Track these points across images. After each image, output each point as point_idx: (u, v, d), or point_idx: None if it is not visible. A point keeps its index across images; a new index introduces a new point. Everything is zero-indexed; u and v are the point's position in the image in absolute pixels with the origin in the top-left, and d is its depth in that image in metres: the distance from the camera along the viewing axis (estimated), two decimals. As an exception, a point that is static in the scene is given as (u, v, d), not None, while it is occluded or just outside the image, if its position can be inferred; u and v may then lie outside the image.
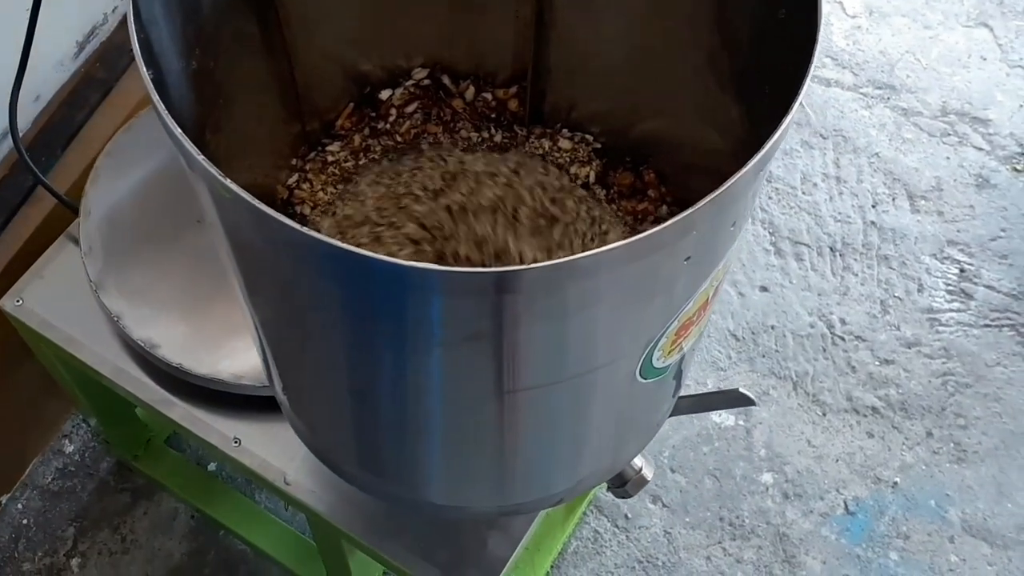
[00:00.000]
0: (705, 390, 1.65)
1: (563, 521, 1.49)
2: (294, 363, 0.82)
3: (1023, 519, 1.56)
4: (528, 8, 0.95)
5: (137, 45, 0.61)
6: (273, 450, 1.09)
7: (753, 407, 1.63)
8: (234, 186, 0.56)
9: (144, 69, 0.61)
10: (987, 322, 1.73)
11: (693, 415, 1.61)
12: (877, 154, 1.90)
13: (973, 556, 1.53)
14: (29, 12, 1.09)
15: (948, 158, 1.90)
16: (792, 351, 1.70)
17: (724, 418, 1.63)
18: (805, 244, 1.80)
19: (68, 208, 1.24)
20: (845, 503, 1.57)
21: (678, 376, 0.84)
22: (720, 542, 1.54)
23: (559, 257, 0.92)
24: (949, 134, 1.92)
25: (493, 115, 1.04)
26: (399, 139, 1.02)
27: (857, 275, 1.77)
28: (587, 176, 1.01)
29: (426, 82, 1.03)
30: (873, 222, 1.82)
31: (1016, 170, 1.88)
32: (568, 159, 1.02)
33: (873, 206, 1.84)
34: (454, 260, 0.91)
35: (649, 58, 0.91)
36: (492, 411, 0.74)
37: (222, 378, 1.08)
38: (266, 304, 0.75)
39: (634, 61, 0.93)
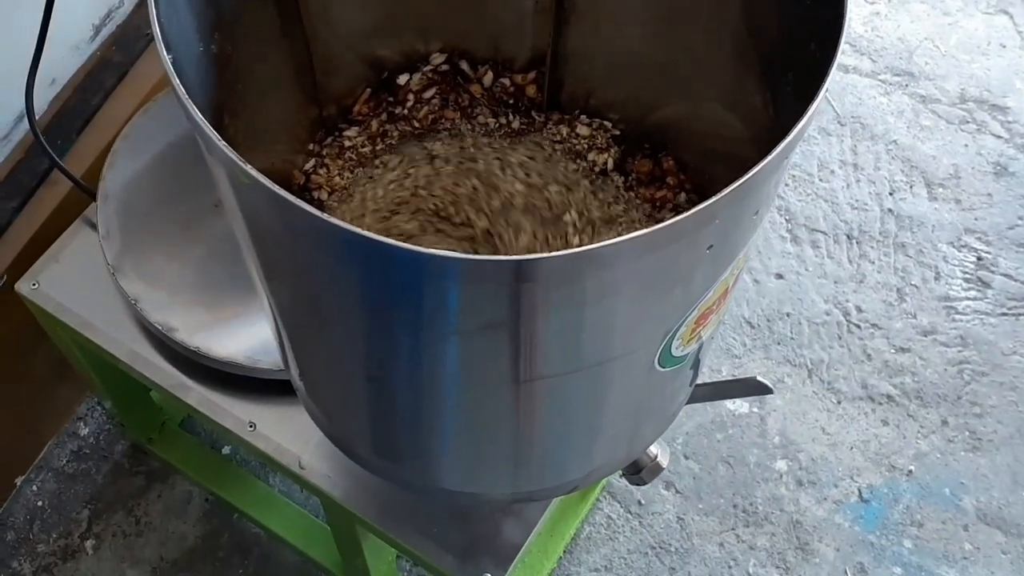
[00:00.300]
0: (720, 377, 1.65)
1: (576, 507, 1.49)
2: (311, 349, 0.82)
3: (1038, 509, 1.56)
4: (547, -8, 0.95)
5: (158, 29, 0.61)
6: (288, 435, 1.09)
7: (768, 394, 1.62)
8: (254, 172, 0.56)
9: (164, 53, 0.60)
10: (1004, 311, 1.72)
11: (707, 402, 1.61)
12: (895, 141, 1.89)
13: (987, 544, 1.53)
14: (46, -5, 1.09)
15: (966, 145, 1.88)
16: (807, 339, 1.69)
17: (738, 405, 1.63)
18: (821, 231, 1.79)
19: (84, 191, 1.24)
20: (859, 491, 1.57)
21: (696, 365, 0.84)
22: (733, 529, 1.54)
23: (575, 245, 0.92)
24: (967, 121, 1.91)
25: (511, 101, 1.03)
26: (416, 124, 1.02)
27: (873, 263, 1.76)
28: (605, 163, 1.00)
29: (444, 67, 1.03)
30: (890, 210, 1.81)
31: (1035, 158, 1.87)
32: (586, 146, 1.01)
33: (890, 193, 1.83)
34: (471, 247, 0.91)
35: (671, 44, 0.90)
36: (508, 399, 0.74)
37: (239, 361, 1.08)
38: (283, 290, 0.74)
39: (655, 47, 0.92)
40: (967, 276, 1.75)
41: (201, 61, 0.77)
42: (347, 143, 1.01)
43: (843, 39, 0.61)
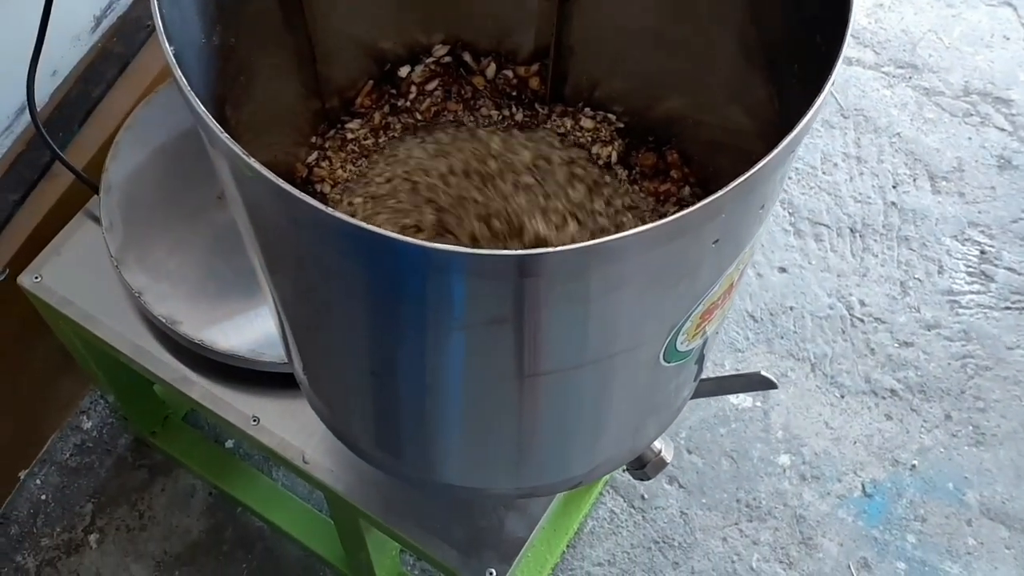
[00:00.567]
0: (723, 371, 1.65)
1: (580, 501, 1.49)
2: (314, 343, 0.82)
3: (1042, 503, 1.55)
4: (551, -17, 0.94)
5: (160, 21, 0.61)
6: (291, 429, 1.09)
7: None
8: (257, 165, 0.56)
9: (166, 45, 0.60)
10: (1007, 304, 1.71)
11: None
12: (898, 134, 1.88)
13: (991, 539, 1.53)
14: (47, -13, 1.09)
15: (970, 138, 1.88)
16: (811, 332, 1.69)
17: (741, 400, 1.63)
18: (825, 225, 1.79)
19: (85, 184, 1.23)
20: (863, 485, 1.57)
21: (700, 360, 0.84)
22: (736, 523, 1.54)
23: (580, 240, 0.92)
24: (971, 114, 1.90)
25: (514, 93, 1.03)
26: (419, 117, 1.02)
27: (877, 256, 1.76)
28: (609, 156, 1.00)
29: (447, 59, 1.02)
30: (893, 203, 1.81)
31: (1039, 151, 1.87)
32: (590, 138, 1.01)
33: (894, 187, 1.83)
34: (475, 241, 0.90)
35: (675, 35, 0.90)
36: (512, 394, 0.74)
37: (242, 354, 1.08)
38: (287, 283, 0.74)
39: (659, 39, 0.92)
40: (970, 270, 1.75)
41: (203, 53, 0.76)
42: (349, 135, 1.01)
43: (849, 32, 0.61)
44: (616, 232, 0.93)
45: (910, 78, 1.95)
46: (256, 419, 1.09)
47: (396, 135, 1.01)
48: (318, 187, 0.99)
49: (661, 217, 0.97)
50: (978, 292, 1.73)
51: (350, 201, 0.96)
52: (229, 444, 1.57)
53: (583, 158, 1.00)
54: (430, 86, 1.02)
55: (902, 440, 1.60)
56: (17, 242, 1.31)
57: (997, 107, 1.91)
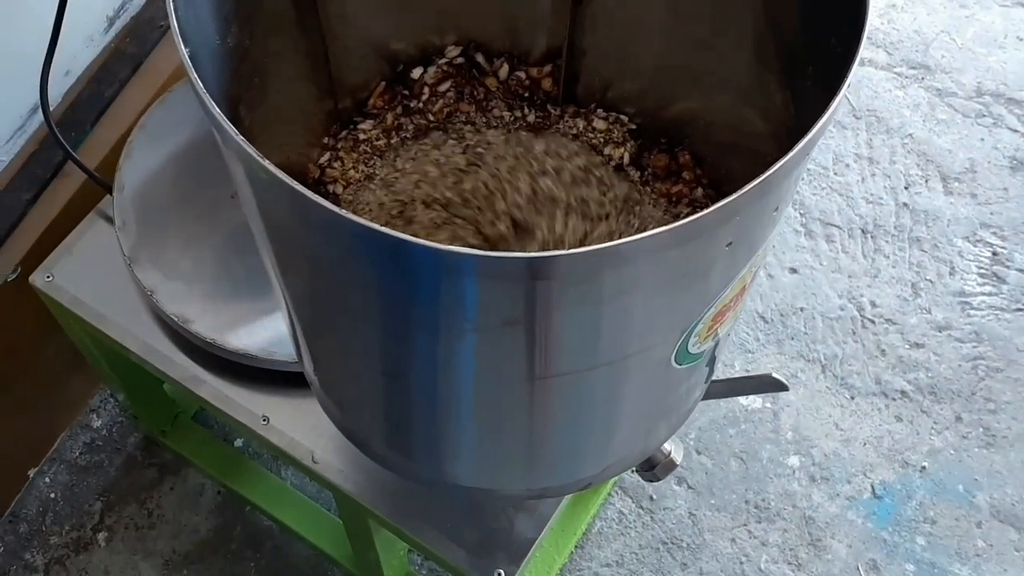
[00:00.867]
0: (733, 372, 1.64)
1: (588, 501, 1.49)
2: (325, 343, 0.82)
3: (1053, 506, 1.55)
4: (563, -16, 0.94)
5: (175, 22, 0.61)
6: (301, 429, 1.09)
7: (781, 390, 1.62)
8: (271, 166, 0.56)
9: (182, 46, 0.60)
10: (1019, 306, 1.71)
11: (720, 397, 1.60)
12: (911, 135, 1.87)
13: (1000, 541, 1.52)
14: (60, -13, 1.09)
15: (982, 140, 1.87)
16: (821, 334, 1.68)
17: (751, 400, 1.62)
18: (836, 226, 1.78)
19: (98, 184, 1.24)
20: (872, 487, 1.56)
21: (711, 362, 0.83)
22: (745, 524, 1.54)
23: (592, 242, 0.92)
24: (984, 115, 1.90)
25: (526, 94, 1.03)
26: (432, 118, 1.01)
27: (888, 257, 1.75)
28: (621, 157, 1.00)
29: (459, 60, 1.02)
30: (905, 204, 1.80)
31: (1052, 153, 1.86)
32: (602, 140, 1.01)
33: (906, 188, 1.82)
34: (487, 242, 0.90)
35: (689, 37, 0.90)
36: (523, 396, 0.73)
37: (254, 353, 1.08)
38: (298, 283, 0.74)
39: (673, 40, 0.91)
40: (982, 271, 1.74)
41: (217, 54, 0.76)
42: (362, 136, 1.01)
43: (866, 34, 0.61)
44: (627, 234, 0.93)
45: (923, 79, 1.94)
46: (266, 419, 1.10)
47: (408, 136, 1.01)
48: (330, 188, 0.99)
49: (673, 219, 0.97)
50: (990, 294, 1.72)
51: (362, 202, 0.96)
52: (238, 443, 1.57)
53: (595, 159, 1.00)
54: (442, 87, 1.02)
55: (912, 442, 1.60)
56: (29, 241, 1.31)
57: (1010, 108, 1.90)
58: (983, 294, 1.72)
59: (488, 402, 0.76)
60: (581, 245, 0.89)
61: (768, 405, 1.62)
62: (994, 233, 1.77)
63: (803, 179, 1.83)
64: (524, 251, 0.81)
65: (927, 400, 1.63)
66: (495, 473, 0.89)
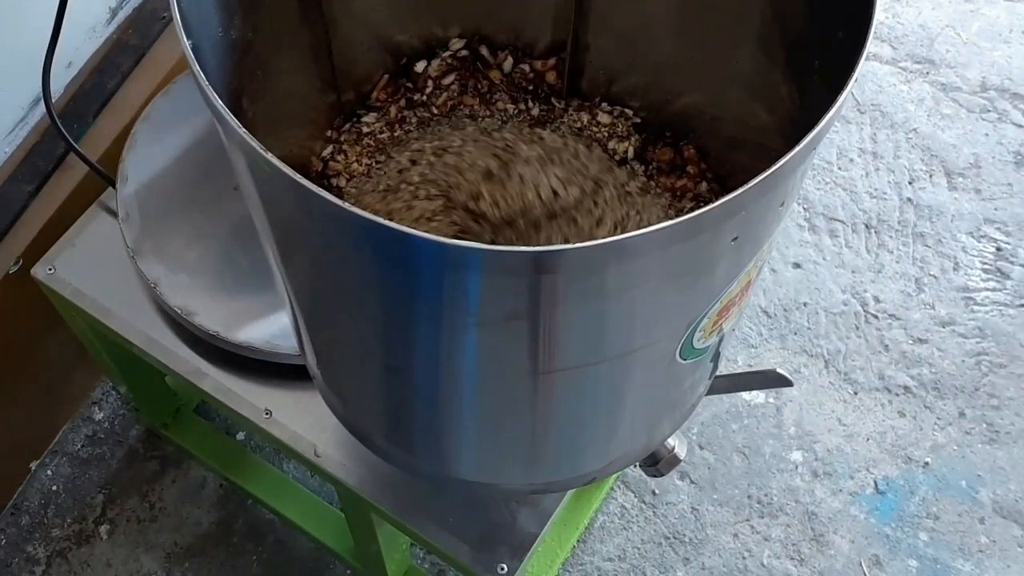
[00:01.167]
0: (736, 367, 1.64)
1: (591, 496, 1.49)
2: (328, 337, 0.82)
3: (1056, 502, 1.54)
4: (568, -24, 0.93)
5: (178, 14, 0.60)
6: (304, 422, 1.09)
7: (784, 385, 1.62)
8: (274, 159, 0.55)
9: (184, 39, 0.60)
10: (1023, 302, 1.70)
11: (723, 392, 1.60)
12: (915, 130, 1.87)
13: (1003, 537, 1.52)
14: (63, -22, 1.08)
15: (987, 135, 1.87)
16: (824, 329, 1.68)
17: (754, 396, 1.62)
18: (840, 220, 1.78)
19: (100, 176, 1.23)
20: (875, 482, 1.56)
21: (716, 357, 0.83)
22: (748, 520, 1.53)
23: (597, 236, 0.91)
24: (988, 110, 1.89)
25: (530, 87, 1.02)
26: (435, 111, 1.01)
27: (892, 252, 1.75)
28: (625, 151, 0.99)
29: (463, 53, 1.02)
30: (909, 199, 1.80)
31: (1056, 148, 1.85)
32: (606, 134, 1.00)
33: (910, 182, 1.81)
34: (491, 236, 0.90)
35: (695, 30, 0.89)
36: (527, 390, 0.73)
37: (257, 346, 1.07)
38: (301, 277, 0.74)
39: (678, 34, 0.91)
40: (986, 267, 1.74)
41: (220, 47, 0.76)
42: (365, 129, 1.01)
43: (873, 28, 0.60)
44: (631, 228, 0.92)
45: (927, 73, 1.94)
46: (269, 412, 1.09)
47: (412, 129, 1.01)
48: (333, 181, 0.99)
49: (678, 213, 0.96)
50: (993, 289, 1.72)
51: (365, 195, 0.96)
52: (240, 436, 1.57)
53: (599, 153, 0.99)
54: (446, 80, 1.01)
55: (915, 437, 1.59)
56: (31, 233, 1.31)
57: (1015, 103, 1.90)
58: (987, 290, 1.72)
59: (491, 396, 0.76)
60: (584, 240, 0.88)
61: (771, 400, 1.62)
62: (998, 229, 1.77)
63: (807, 174, 1.82)
64: (528, 245, 0.81)
65: (930, 396, 1.62)
66: (498, 467, 0.89)
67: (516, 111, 1.02)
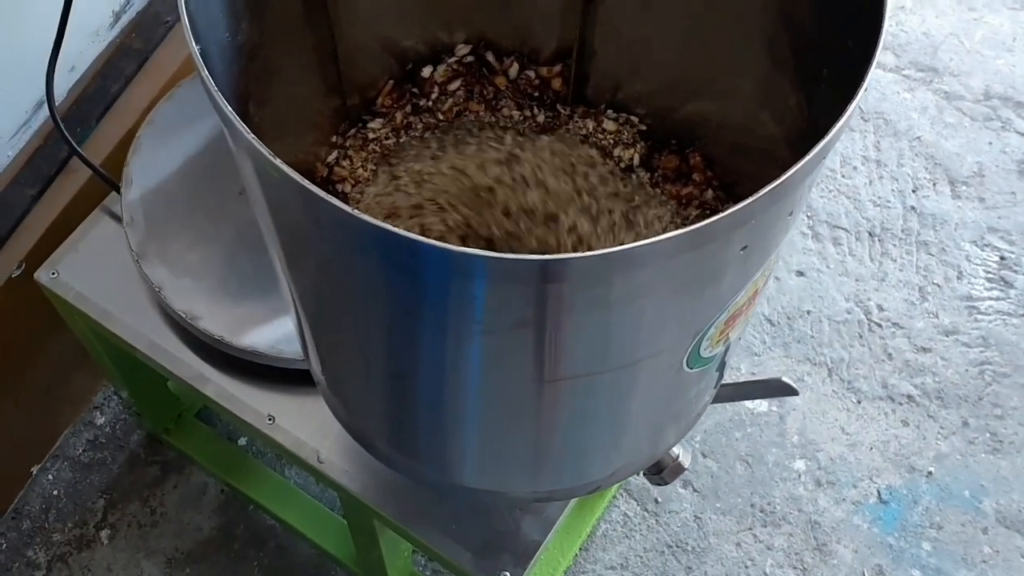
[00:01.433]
0: (739, 375, 1.64)
1: (593, 504, 1.48)
2: (333, 343, 0.81)
3: (1060, 512, 1.54)
4: (574, -17, 0.93)
5: (187, 19, 0.60)
6: (307, 428, 1.09)
7: (787, 394, 1.61)
8: (282, 164, 0.55)
9: (193, 44, 0.59)
10: (1027, 311, 1.70)
11: (726, 400, 1.60)
12: (918, 138, 1.87)
13: (1007, 547, 1.51)
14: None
15: (990, 143, 1.86)
16: (828, 337, 1.67)
17: (757, 404, 1.61)
18: (843, 228, 1.78)
19: (103, 179, 1.23)
20: (878, 492, 1.56)
21: (721, 366, 0.83)
22: (751, 528, 1.53)
23: (601, 245, 0.91)
24: (992, 119, 1.89)
25: (536, 94, 1.02)
26: (441, 117, 1.01)
27: (896, 261, 1.74)
28: (631, 158, 0.99)
29: (469, 59, 1.01)
30: (913, 207, 1.80)
31: (1061, 157, 1.85)
32: (612, 141, 1.00)
33: (913, 191, 1.81)
34: (497, 243, 0.90)
35: (702, 38, 0.89)
36: (532, 398, 0.73)
37: (262, 350, 1.07)
38: (307, 282, 0.74)
39: (685, 41, 0.91)
40: (990, 276, 1.73)
41: (227, 51, 0.76)
42: (371, 135, 1.00)
43: (883, 37, 0.60)
44: (637, 237, 0.92)
45: (931, 82, 1.93)
46: (272, 418, 1.09)
47: (418, 135, 1.00)
48: (339, 187, 0.99)
49: (683, 220, 0.96)
50: (997, 298, 1.71)
51: (371, 201, 0.96)
52: (242, 442, 1.56)
53: (604, 160, 0.99)
54: (452, 86, 1.01)
55: (918, 447, 1.59)
56: (34, 237, 1.31)
57: (1018, 112, 1.89)
58: (990, 299, 1.71)
59: (496, 404, 0.76)
60: (589, 248, 0.88)
61: (774, 409, 1.61)
62: (1002, 237, 1.77)
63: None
64: (533, 254, 0.81)
65: (934, 405, 1.62)
66: (502, 475, 0.89)
67: (521, 117, 1.01)
